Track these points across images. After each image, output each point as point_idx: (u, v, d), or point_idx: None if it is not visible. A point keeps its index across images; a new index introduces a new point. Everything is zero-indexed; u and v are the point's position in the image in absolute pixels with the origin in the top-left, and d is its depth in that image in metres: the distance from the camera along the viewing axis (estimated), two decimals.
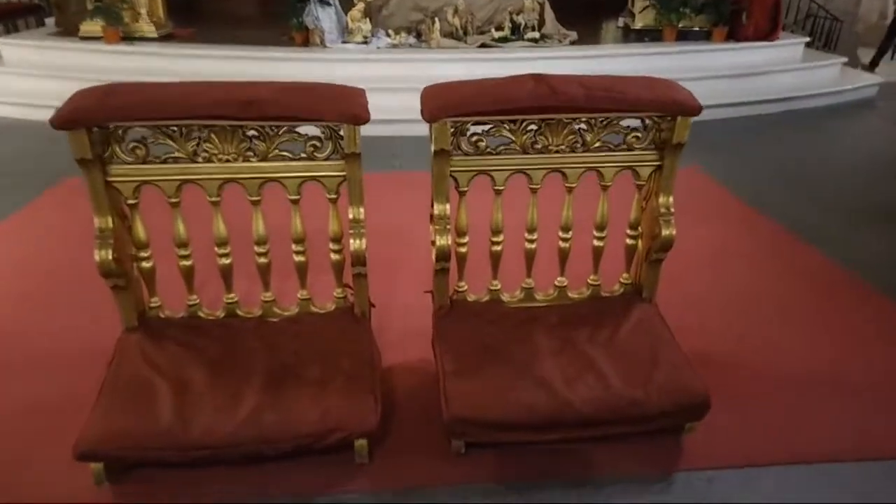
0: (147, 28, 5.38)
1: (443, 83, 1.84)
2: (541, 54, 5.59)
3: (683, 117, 1.76)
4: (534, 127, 1.80)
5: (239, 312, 2.03)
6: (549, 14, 6.07)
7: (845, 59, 6.53)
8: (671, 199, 1.89)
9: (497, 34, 5.82)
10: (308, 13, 5.53)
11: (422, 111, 1.75)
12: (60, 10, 5.64)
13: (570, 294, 2.04)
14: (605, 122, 1.81)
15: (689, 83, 5.38)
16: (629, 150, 1.85)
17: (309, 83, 1.82)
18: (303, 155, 1.76)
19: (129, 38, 5.32)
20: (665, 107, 1.76)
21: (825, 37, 8.95)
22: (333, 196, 1.81)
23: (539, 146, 1.82)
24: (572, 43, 5.96)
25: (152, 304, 2.01)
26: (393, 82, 5.23)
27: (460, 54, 5.49)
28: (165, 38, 5.57)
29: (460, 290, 2.02)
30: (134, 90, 1.76)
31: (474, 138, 1.80)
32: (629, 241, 2.01)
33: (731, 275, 2.93)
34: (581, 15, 7.45)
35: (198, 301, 2.02)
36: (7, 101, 5.11)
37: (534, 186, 1.88)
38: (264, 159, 1.75)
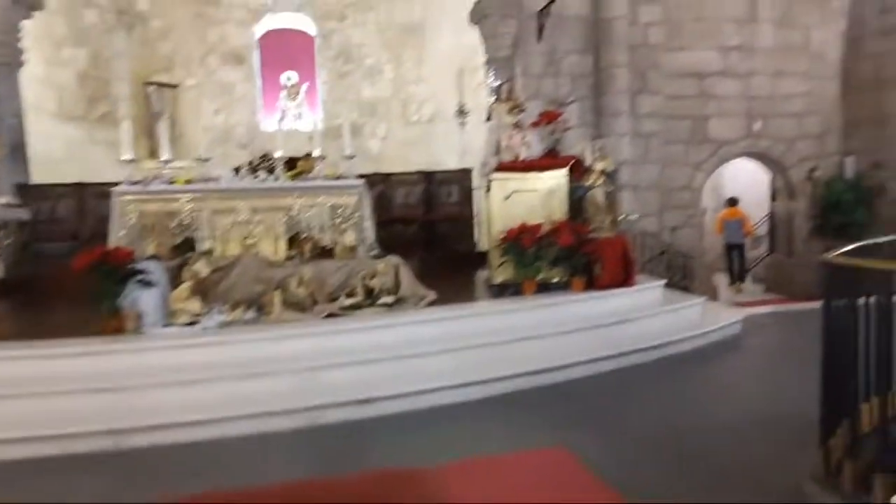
0: None
1: None
2: (391, 321, 4.94)
3: None
4: None
5: None
6: (406, 275, 5.60)
7: (704, 298, 6.38)
8: None
9: (347, 302, 5.20)
10: (127, 296, 4.70)
11: None
12: None
13: None
14: None
15: (553, 339, 4.81)
16: None
17: None
18: None
19: None
20: None
21: (682, 271, 9.21)
22: None
23: None
24: (431, 304, 5.42)
25: None
26: (218, 369, 4.31)
27: (301, 329, 4.72)
28: None
29: None
30: None
31: None
32: None
33: None
34: (446, 271, 7.16)
35: None
36: None
37: None
38: None
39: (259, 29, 11.85)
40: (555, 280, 5.84)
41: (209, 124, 11.62)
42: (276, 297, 4.95)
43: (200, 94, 11.57)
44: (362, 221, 5.74)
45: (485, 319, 5.16)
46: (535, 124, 6.25)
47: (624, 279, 5.89)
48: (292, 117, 12.35)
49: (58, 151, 9.64)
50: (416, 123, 12.18)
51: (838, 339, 3.12)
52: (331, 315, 5.02)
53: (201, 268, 5.02)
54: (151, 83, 10.93)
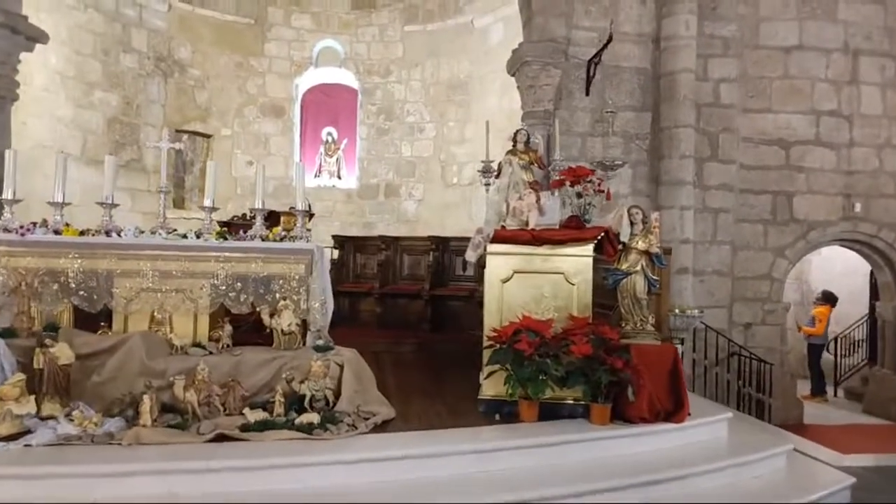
0: None
1: None
2: (301, 457, 3.08)
3: None
4: None
5: None
6: (351, 380, 3.77)
7: (791, 446, 4.08)
8: None
9: (253, 417, 3.41)
10: None
11: None
12: None
13: None
14: None
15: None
16: None
17: None
18: None
19: None
20: None
21: (756, 378, 6.90)
22: None
23: None
24: (377, 427, 3.54)
25: None
26: None
27: (148, 463, 2.93)
28: None
29: None
30: None
31: None
32: None
33: None
34: (446, 363, 5.25)
35: None
36: None
37: None
38: None
39: (301, 82, 10.89)
40: (568, 401, 3.84)
41: (240, 175, 10.58)
42: (146, 404, 3.26)
43: (234, 145, 10.58)
44: (310, 299, 4.02)
45: (446, 463, 3.21)
46: (558, 183, 4.43)
47: (672, 410, 3.80)
48: (328, 174, 11.20)
49: (75, 196, 8.73)
50: (455, 186, 10.60)
51: None
52: (222, 437, 3.25)
53: (63, 351, 3.43)
54: (184, 131, 10.02)
